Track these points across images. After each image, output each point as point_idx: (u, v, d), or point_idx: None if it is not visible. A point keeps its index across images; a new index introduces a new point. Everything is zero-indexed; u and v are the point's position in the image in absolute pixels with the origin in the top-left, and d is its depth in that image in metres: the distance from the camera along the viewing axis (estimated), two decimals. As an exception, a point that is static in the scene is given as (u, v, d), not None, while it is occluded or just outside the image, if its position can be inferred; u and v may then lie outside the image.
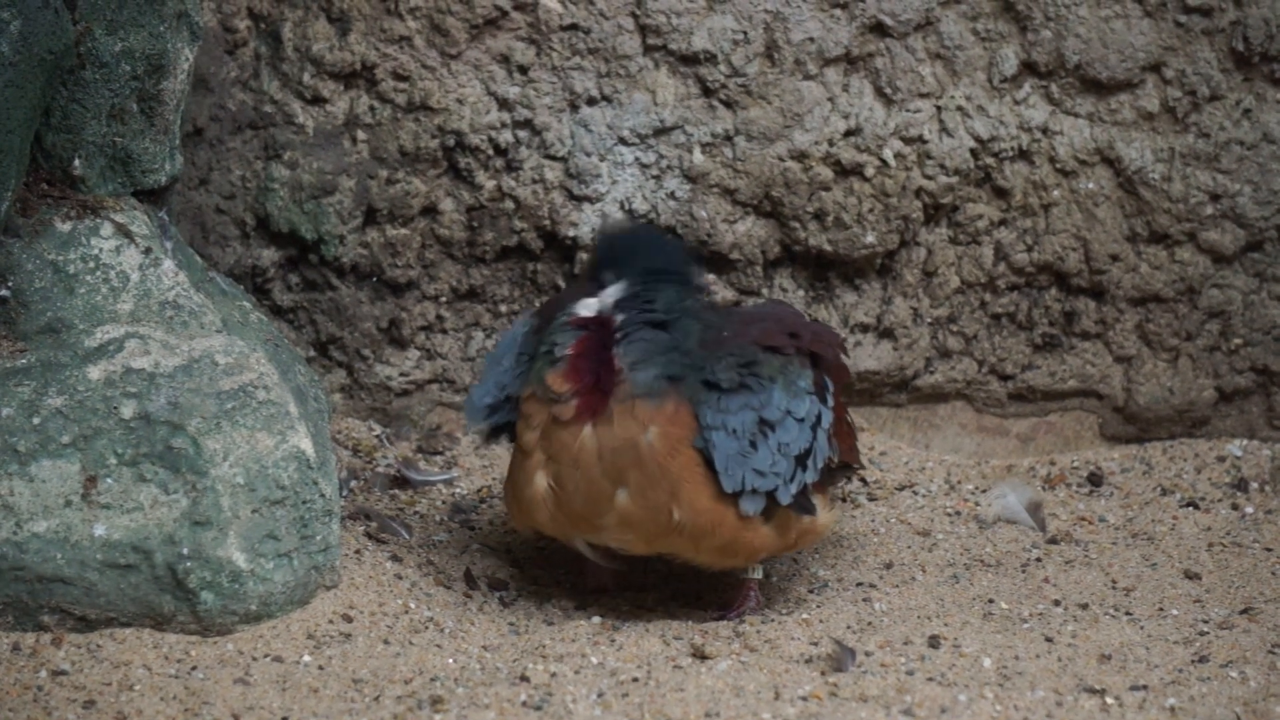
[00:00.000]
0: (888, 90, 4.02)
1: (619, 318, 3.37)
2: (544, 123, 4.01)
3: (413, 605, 3.48)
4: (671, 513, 3.35)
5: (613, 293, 3.40)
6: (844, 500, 3.98)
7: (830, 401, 3.49)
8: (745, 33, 3.98)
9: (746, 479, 3.36)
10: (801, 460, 3.42)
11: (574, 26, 3.99)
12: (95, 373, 3.34)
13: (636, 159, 4.03)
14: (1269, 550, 3.86)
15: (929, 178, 4.05)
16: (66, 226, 3.46)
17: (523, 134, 4.02)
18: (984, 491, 4.05)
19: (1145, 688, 3.24)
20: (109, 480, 3.28)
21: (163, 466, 3.29)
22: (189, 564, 3.27)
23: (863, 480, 4.06)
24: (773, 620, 3.49)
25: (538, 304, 4.09)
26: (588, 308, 3.40)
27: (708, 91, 4.00)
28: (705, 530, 3.38)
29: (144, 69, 3.47)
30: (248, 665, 3.24)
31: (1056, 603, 3.61)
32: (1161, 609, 3.59)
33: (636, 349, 3.34)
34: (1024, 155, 4.05)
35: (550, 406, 3.36)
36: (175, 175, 3.58)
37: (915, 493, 4.06)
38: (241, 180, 4.05)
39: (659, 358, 3.34)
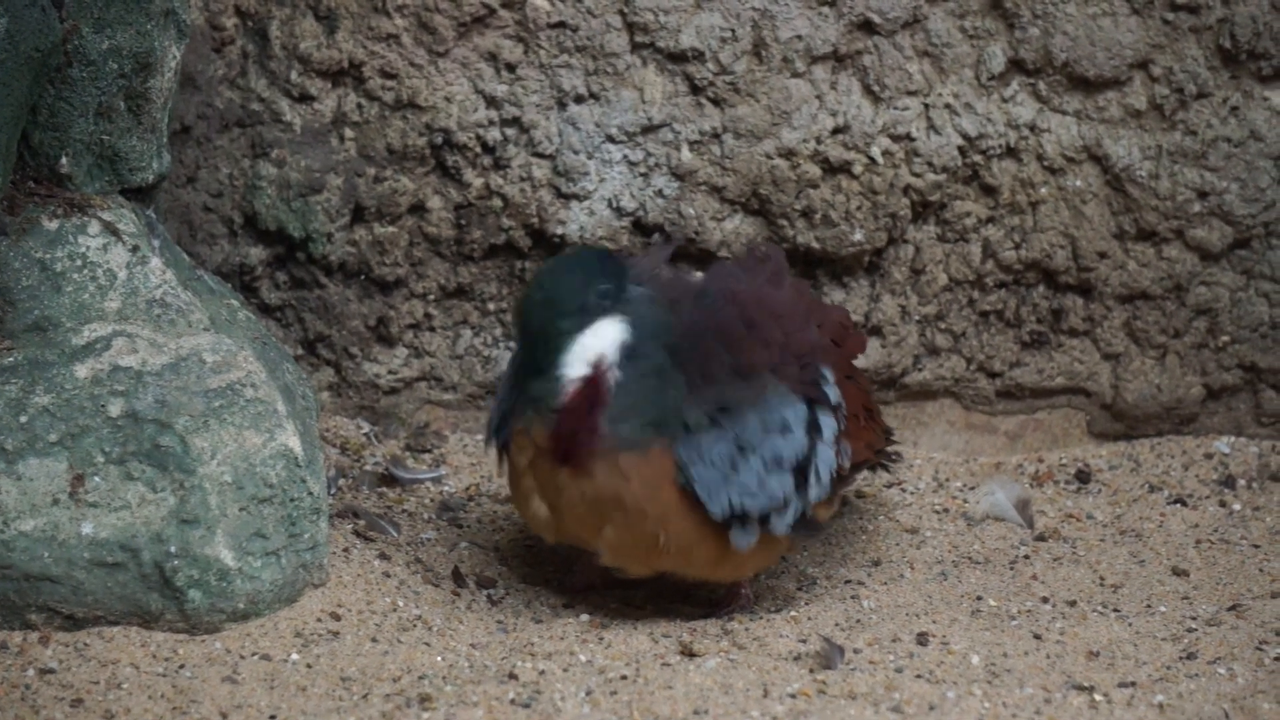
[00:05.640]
0: (875, 88, 4.02)
1: (614, 375, 3.28)
2: (532, 120, 4.01)
3: (401, 603, 3.48)
4: (658, 538, 3.34)
5: (612, 342, 3.29)
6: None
7: (833, 395, 3.44)
8: (733, 30, 3.98)
9: (734, 500, 3.33)
10: (801, 473, 3.39)
11: (562, 24, 3.98)
12: (83, 371, 3.34)
13: (624, 157, 4.02)
14: (1256, 547, 3.86)
15: (917, 175, 4.05)
16: (53, 224, 3.45)
17: (510, 132, 4.01)
18: (972, 489, 4.05)
19: (1133, 684, 3.24)
20: (96, 479, 3.28)
21: (150, 465, 3.29)
22: (176, 562, 3.27)
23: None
24: (761, 618, 3.49)
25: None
26: (581, 362, 3.29)
27: (695, 89, 4.00)
28: (695, 556, 3.37)
29: (131, 67, 3.47)
30: (235, 664, 3.24)
31: (1045, 600, 3.61)
32: (1149, 606, 3.59)
33: (620, 403, 3.28)
34: (1012, 153, 4.06)
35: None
36: (163, 173, 3.58)
37: (903, 490, 4.06)
38: (229, 178, 4.05)
39: (641, 409, 3.29)
